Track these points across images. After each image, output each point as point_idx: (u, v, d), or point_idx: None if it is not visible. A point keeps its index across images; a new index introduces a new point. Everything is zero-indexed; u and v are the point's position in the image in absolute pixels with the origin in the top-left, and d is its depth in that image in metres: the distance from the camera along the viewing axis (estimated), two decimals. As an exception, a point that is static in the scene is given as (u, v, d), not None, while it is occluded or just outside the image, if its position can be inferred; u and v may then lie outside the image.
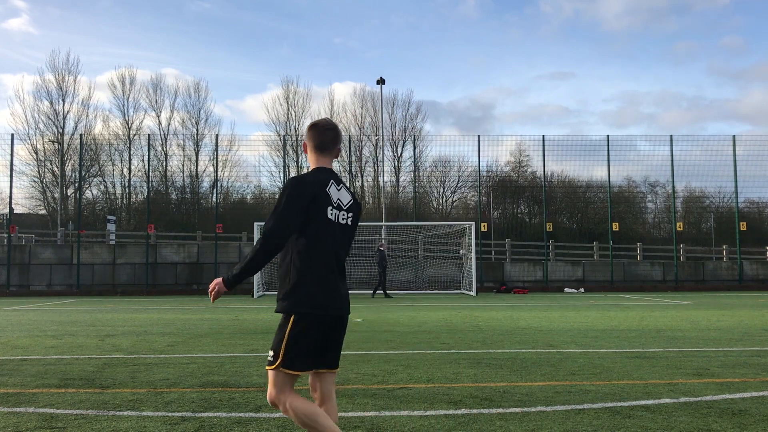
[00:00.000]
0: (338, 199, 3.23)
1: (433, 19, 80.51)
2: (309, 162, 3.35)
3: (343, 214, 3.24)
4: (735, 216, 30.05)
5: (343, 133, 3.33)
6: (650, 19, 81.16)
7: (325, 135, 3.30)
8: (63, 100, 41.02)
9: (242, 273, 3.08)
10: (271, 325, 11.76)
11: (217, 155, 33.48)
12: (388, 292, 22.69)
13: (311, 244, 3.10)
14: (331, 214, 3.17)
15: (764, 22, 79.24)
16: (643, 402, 5.26)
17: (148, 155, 31.43)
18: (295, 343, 3.06)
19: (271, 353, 3.12)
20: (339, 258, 3.21)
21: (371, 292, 23.29)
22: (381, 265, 22.50)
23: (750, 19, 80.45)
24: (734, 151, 29.28)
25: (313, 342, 3.09)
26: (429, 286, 26.41)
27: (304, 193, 3.08)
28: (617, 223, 29.60)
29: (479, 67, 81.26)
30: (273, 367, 3.09)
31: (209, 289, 3.20)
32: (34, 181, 39.42)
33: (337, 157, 3.39)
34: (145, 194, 33.76)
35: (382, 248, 23.00)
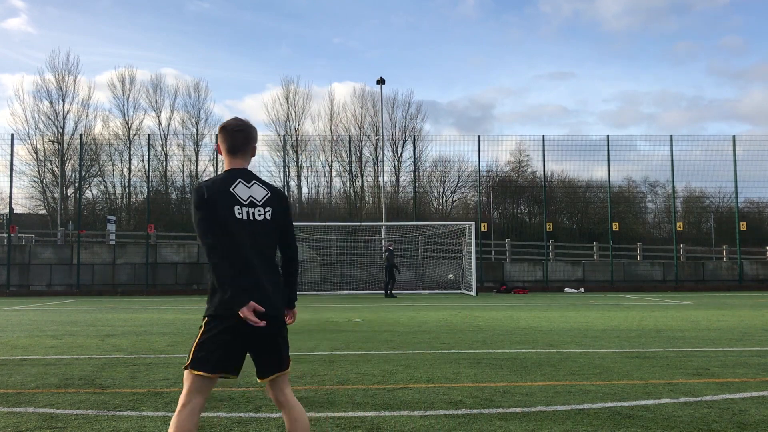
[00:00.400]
0: (250, 196, 3.15)
1: (433, 19, 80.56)
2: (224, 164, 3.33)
3: (259, 210, 3.15)
4: (735, 216, 30.04)
5: (257, 130, 3.39)
6: (650, 19, 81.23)
7: (236, 137, 3.26)
8: (63, 100, 41.05)
9: (221, 288, 3.01)
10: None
11: (217, 155, 33.47)
12: (391, 292, 22.61)
13: (225, 245, 3.06)
14: (240, 213, 3.09)
15: (764, 22, 79.26)
16: (643, 402, 5.26)
17: (148, 155, 31.46)
18: (204, 344, 3.03)
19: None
20: (260, 256, 3.11)
21: (383, 292, 23.04)
22: (391, 264, 22.34)
23: (750, 19, 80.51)
24: (734, 151, 29.30)
25: (224, 344, 3.01)
26: (429, 286, 26.39)
27: (203, 199, 3.05)
28: (617, 223, 29.60)
29: (479, 67, 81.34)
30: (184, 367, 3.10)
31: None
32: (34, 181, 39.45)
33: (253, 156, 3.36)
34: (145, 194, 33.78)
35: (391, 248, 22.88)
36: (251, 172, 3.27)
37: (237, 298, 2.94)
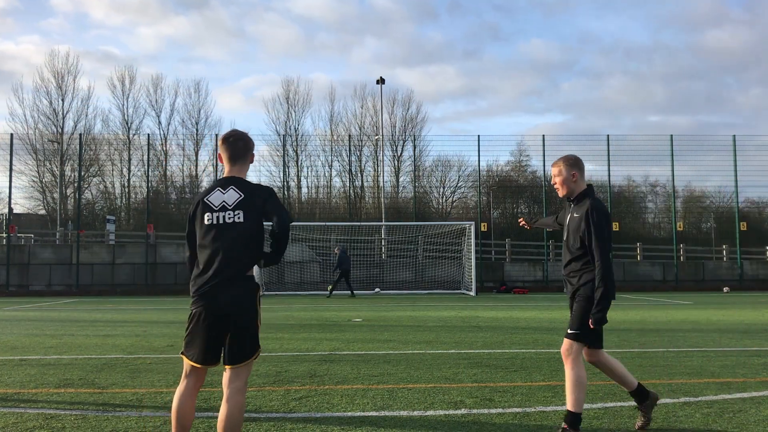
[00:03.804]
0: (223, 201, 3.47)
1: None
2: None
3: (230, 214, 3.45)
4: (735, 216, 30.03)
5: (253, 141, 3.77)
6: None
7: (236, 146, 3.60)
8: (62, 100, 41.04)
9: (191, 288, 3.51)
10: (272, 324, 11.76)
11: (217, 155, 33.44)
12: (334, 292, 22.40)
13: (197, 250, 3.48)
14: (210, 219, 3.45)
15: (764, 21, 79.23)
16: (643, 402, 5.25)
17: (148, 155, 31.43)
18: (187, 334, 3.48)
19: None
20: (226, 257, 3.39)
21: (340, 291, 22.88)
22: (340, 267, 22.04)
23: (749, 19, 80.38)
24: (734, 150, 29.29)
25: (198, 336, 3.41)
26: (429, 286, 26.39)
27: (189, 214, 3.57)
28: (617, 223, 29.56)
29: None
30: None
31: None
32: (34, 181, 39.42)
33: (252, 162, 3.66)
34: (145, 194, 33.75)
35: (337, 251, 22.51)
36: (236, 177, 3.56)
37: (199, 298, 3.40)
